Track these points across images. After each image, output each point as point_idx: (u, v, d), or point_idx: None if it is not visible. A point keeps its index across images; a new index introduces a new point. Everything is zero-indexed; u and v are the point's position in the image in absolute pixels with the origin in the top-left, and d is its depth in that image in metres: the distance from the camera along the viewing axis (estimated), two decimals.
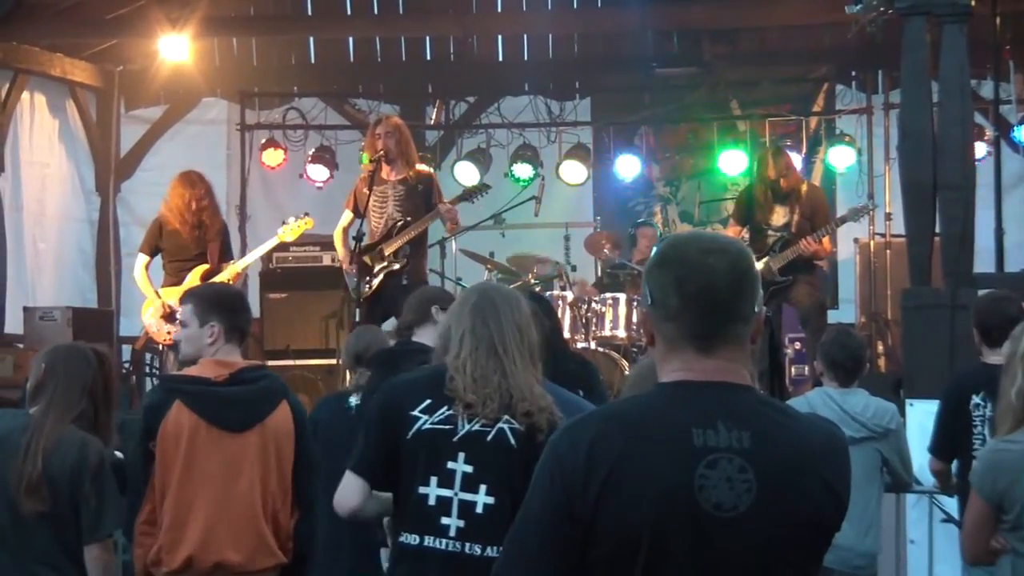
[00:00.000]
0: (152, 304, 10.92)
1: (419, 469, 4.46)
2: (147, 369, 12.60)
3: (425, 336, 6.80)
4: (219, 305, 5.51)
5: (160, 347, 11.39)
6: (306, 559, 5.33)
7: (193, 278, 10.74)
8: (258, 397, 5.31)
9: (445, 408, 4.46)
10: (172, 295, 10.75)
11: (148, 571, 5.37)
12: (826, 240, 11.47)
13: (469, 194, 10.74)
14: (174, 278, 10.88)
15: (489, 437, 4.44)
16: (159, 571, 5.31)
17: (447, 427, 4.45)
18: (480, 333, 4.53)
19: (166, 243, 10.95)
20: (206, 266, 10.78)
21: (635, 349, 11.51)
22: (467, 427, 4.44)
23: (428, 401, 4.48)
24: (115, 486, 5.55)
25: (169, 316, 10.72)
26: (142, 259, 11.12)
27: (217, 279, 10.68)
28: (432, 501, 4.44)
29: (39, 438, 5.52)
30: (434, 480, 4.44)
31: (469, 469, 4.43)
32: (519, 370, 4.49)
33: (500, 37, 16.05)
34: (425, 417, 4.46)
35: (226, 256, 10.99)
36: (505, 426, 4.44)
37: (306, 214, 11.64)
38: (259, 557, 5.20)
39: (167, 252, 10.97)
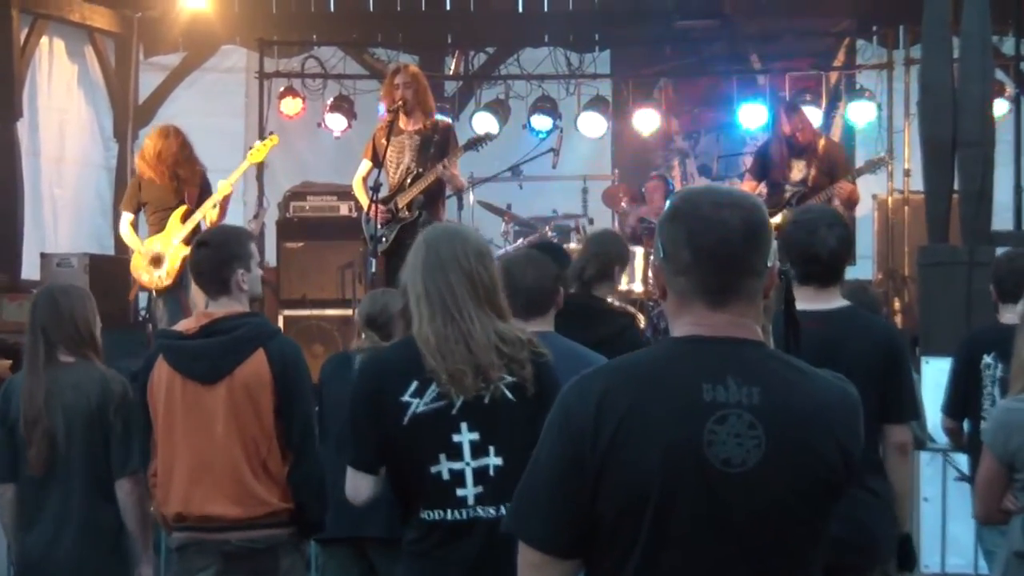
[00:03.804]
0: (137, 254, 10.93)
1: (426, 449, 4.41)
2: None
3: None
4: (189, 255, 5.52)
5: (152, 298, 11.40)
6: (304, 506, 5.29)
7: (174, 220, 10.68)
8: (227, 348, 5.20)
9: (433, 386, 4.38)
10: (156, 241, 10.79)
11: (164, 521, 5.40)
12: (850, 188, 11.31)
13: (473, 143, 10.67)
14: (157, 227, 10.87)
15: (487, 399, 4.38)
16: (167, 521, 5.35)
17: (443, 403, 4.38)
18: (433, 296, 4.43)
19: (146, 196, 10.86)
20: (184, 207, 10.74)
21: (651, 303, 11.50)
22: (463, 398, 4.37)
23: (415, 383, 4.39)
24: (140, 421, 5.58)
25: (156, 260, 10.77)
26: (126, 217, 11.07)
27: (193, 218, 10.67)
28: (446, 476, 4.40)
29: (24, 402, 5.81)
30: (443, 456, 4.39)
31: (475, 436, 4.39)
32: (478, 328, 4.39)
33: None
34: (416, 400, 4.39)
35: (205, 198, 10.94)
36: (500, 383, 4.38)
37: (271, 133, 11.65)
38: (247, 507, 5.15)
39: (149, 205, 10.88)
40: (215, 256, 5.37)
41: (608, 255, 6.92)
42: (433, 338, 4.38)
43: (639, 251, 11.84)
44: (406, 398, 4.38)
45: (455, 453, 4.39)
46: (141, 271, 10.90)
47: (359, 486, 4.57)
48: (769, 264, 2.83)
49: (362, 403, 4.50)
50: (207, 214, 10.64)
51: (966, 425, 7.03)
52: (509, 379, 4.39)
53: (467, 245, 4.53)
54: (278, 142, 11.50)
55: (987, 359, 6.80)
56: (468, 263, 4.47)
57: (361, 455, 4.54)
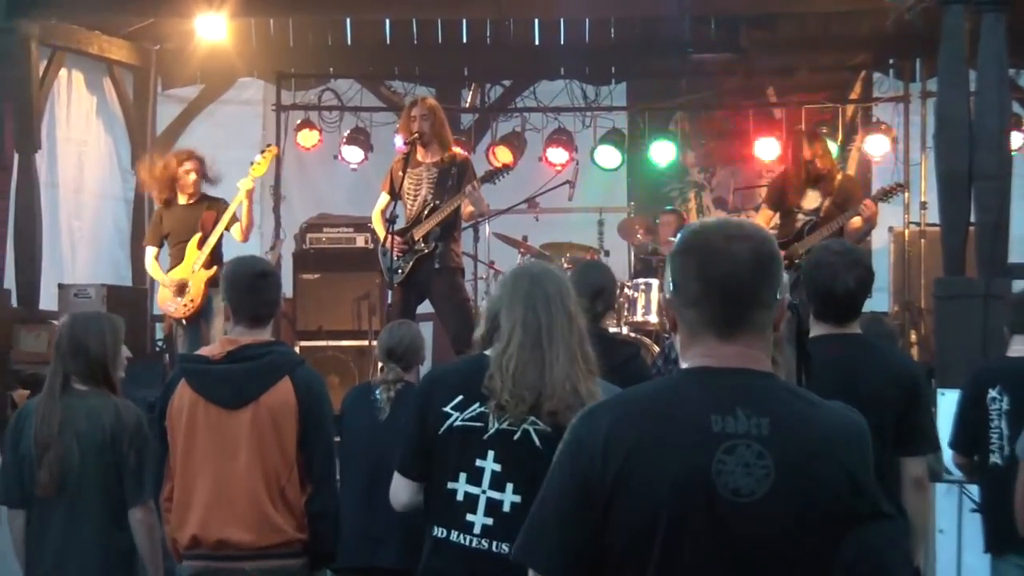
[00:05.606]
0: (163, 288, 11.08)
1: (449, 465, 4.45)
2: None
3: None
4: (226, 283, 5.52)
5: (173, 326, 11.48)
6: (320, 536, 5.30)
7: (191, 249, 10.95)
8: (254, 375, 5.23)
9: (477, 405, 4.42)
10: (177, 271, 11.03)
11: (175, 547, 5.41)
12: (873, 208, 11.21)
13: (491, 175, 10.68)
14: (177, 259, 11.07)
15: (516, 436, 4.40)
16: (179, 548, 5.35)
17: (478, 424, 4.41)
18: (530, 325, 4.45)
19: (167, 227, 11.11)
20: (198, 235, 10.88)
21: (666, 335, 11.49)
22: (497, 425, 4.40)
23: (460, 397, 4.44)
24: (153, 451, 5.61)
25: (180, 288, 10.89)
26: (151, 251, 11.31)
27: (208, 243, 10.91)
28: (460, 497, 4.43)
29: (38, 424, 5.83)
30: (463, 476, 4.43)
31: (498, 468, 4.40)
32: (560, 363, 4.41)
33: (536, 21, 15.98)
34: (456, 414, 4.43)
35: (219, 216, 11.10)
36: (530, 428, 4.39)
37: (269, 145, 12.01)
38: (263, 535, 5.17)
39: (171, 236, 11.16)
40: (275, 291, 5.50)
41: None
42: (514, 363, 4.41)
43: (654, 283, 11.84)
44: (448, 409, 4.45)
45: (475, 478, 4.42)
46: (168, 302, 11.02)
47: (398, 490, 4.64)
48: (779, 296, 2.85)
49: (414, 408, 4.61)
50: (233, 227, 10.91)
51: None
52: (545, 429, 4.37)
53: (570, 291, 4.59)
54: (277, 152, 11.63)
55: (992, 392, 6.79)
56: (571, 304, 4.53)
57: (404, 459, 4.62)
